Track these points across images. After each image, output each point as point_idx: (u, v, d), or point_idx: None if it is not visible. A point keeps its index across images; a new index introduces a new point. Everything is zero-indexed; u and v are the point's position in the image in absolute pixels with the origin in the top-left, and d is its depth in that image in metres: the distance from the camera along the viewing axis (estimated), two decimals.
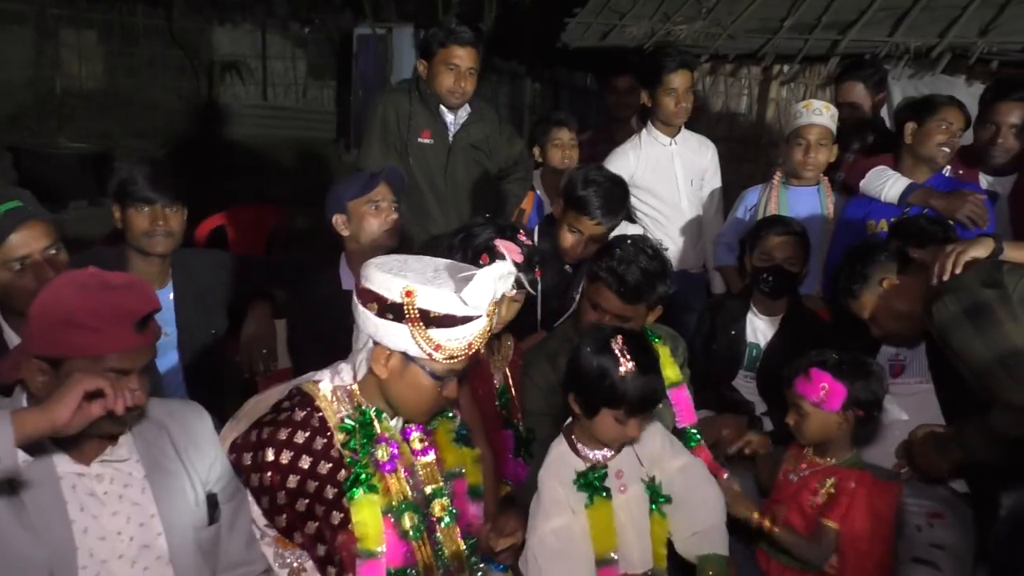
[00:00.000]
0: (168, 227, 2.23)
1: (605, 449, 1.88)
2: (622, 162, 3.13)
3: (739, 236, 2.94)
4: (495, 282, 1.56)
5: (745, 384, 2.55)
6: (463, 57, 2.91)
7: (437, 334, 1.54)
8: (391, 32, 7.97)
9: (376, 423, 1.65)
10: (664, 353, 2.16)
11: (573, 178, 2.51)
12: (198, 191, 2.43)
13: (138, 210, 2.20)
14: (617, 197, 2.50)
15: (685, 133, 3.27)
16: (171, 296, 2.29)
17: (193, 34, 8.86)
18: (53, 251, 1.89)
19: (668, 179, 3.20)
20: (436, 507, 1.70)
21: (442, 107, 3.01)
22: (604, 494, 1.83)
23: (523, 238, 2.03)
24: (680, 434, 2.14)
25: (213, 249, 2.90)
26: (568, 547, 1.80)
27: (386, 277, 1.55)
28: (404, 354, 1.57)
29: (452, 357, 1.57)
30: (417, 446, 1.71)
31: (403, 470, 1.67)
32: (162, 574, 1.52)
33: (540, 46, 6.07)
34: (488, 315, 1.57)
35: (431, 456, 1.72)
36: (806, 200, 2.93)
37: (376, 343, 1.59)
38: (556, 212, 2.57)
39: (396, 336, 1.56)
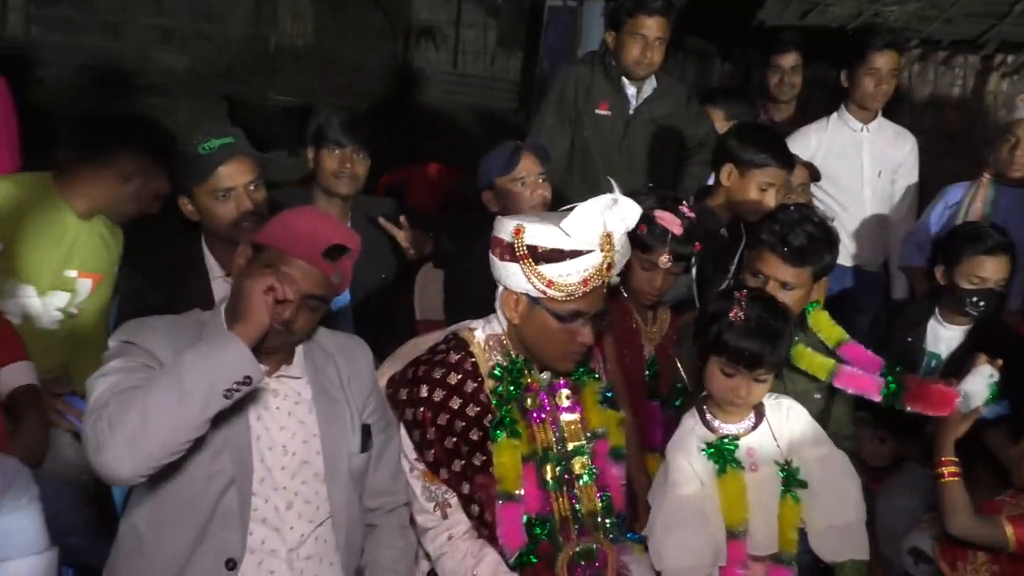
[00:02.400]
0: (354, 171, 2.44)
1: (739, 425, 1.83)
2: (801, 143, 2.99)
3: (933, 236, 2.72)
4: (601, 213, 1.57)
5: None
6: (651, 27, 2.88)
7: (547, 269, 1.59)
8: (582, 5, 7.94)
9: (526, 372, 1.72)
10: (824, 317, 2.11)
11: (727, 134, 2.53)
12: (386, 148, 2.62)
13: (330, 152, 2.43)
14: (776, 140, 2.46)
15: (881, 121, 3.06)
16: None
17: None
18: (253, 187, 2.07)
19: (853, 167, 3.02)
20: (576, 464, 1.75)
21: (625, 80, 3.00)
22: (736, 465, 1.79)
23: (685, 210, 2.01)
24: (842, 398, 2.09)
25: (388, 198, 3.08)
26: (693, 518, 1.79)
27: (504, 220, 1.64)
28: (528, 296, 1.63)
29: (568, 294, 1.60)
30: (564, 403, 1.77)
31: (549, 422, 1.74)
32: (316, 490, 1.64)
33: (734, 24, 5.83)
34: (602, 249, 1.58)
35: (576, 414, 1.77)
36: (1015, 201, 2.67)
37: (505, 288, 1.66)
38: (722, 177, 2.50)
39: (515, 276, 1.63)
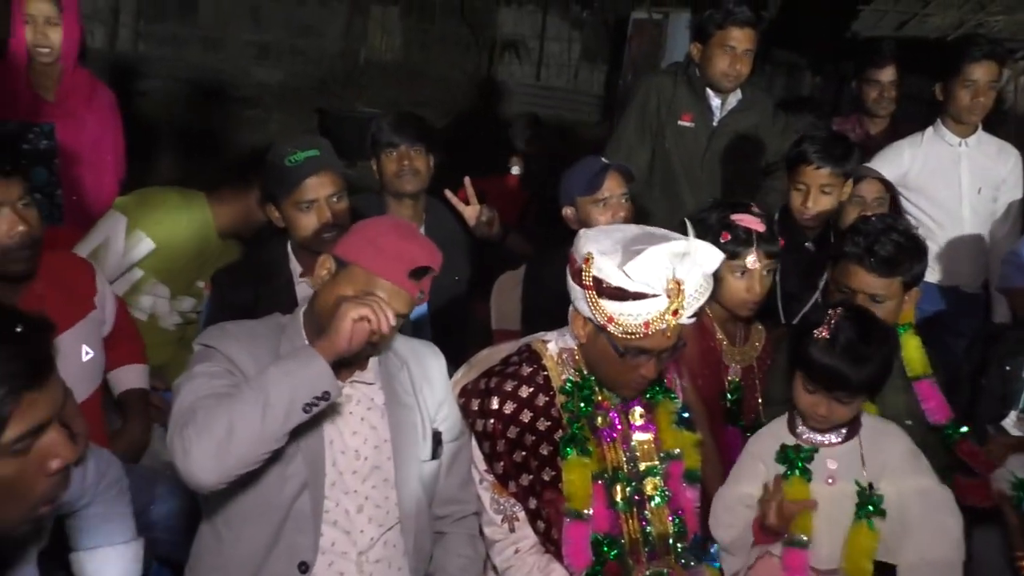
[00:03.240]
0: (414, 166, 2.46)
1: (827, 436, 1.76)
2: (893, 159, 2.87)
3: None
4: (669, 259, 1.51)
5: (1018, 428, 2.24)
6: (740, 39, 2.83)
7: (609, 305, 1.55)
8: (667, 17, 7.88)
9: (597, 390, 1.69)
10: (914, 343, 2.00)
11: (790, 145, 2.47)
12: (469, 159, 2.63)
13: (388, 155, 2.46)
14: (838, 144, 2.40)
15: (982, 135, 2.91)
16: (424, 233, 2.50)
17: (482, 13, 9.39)
18: (335, 199, 2.12)
19: (950, 183, 2.88)
20: (648, 485, 1.71)
21: (709, 91, 2.95)
22: (803, 474, 1.73)
23: (757, 210, 1.97)
24: (936, 431, 1.98)
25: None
26: (749, 516, 1.74)
27: (581, 241, 1.60)
28: (593, 322, 1.59)
29: (627, 333, 1.55)
30: (636, 421, 1.73)
31: (620, 441, 1.70)
32: (386, 495, 1.65)
33: (826, 36, 5.67)
34: (668, 295, 1.52)
35: (649, 434, 1.73)
36: None
37: (574, 307, 1.63)
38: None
39: (581, 302, 1.60)
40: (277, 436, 1.43)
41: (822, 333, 1.69)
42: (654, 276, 1.51)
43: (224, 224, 2.45)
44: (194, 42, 8.69)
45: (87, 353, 1.92)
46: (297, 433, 1.51)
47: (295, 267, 2.21)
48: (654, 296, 1.52)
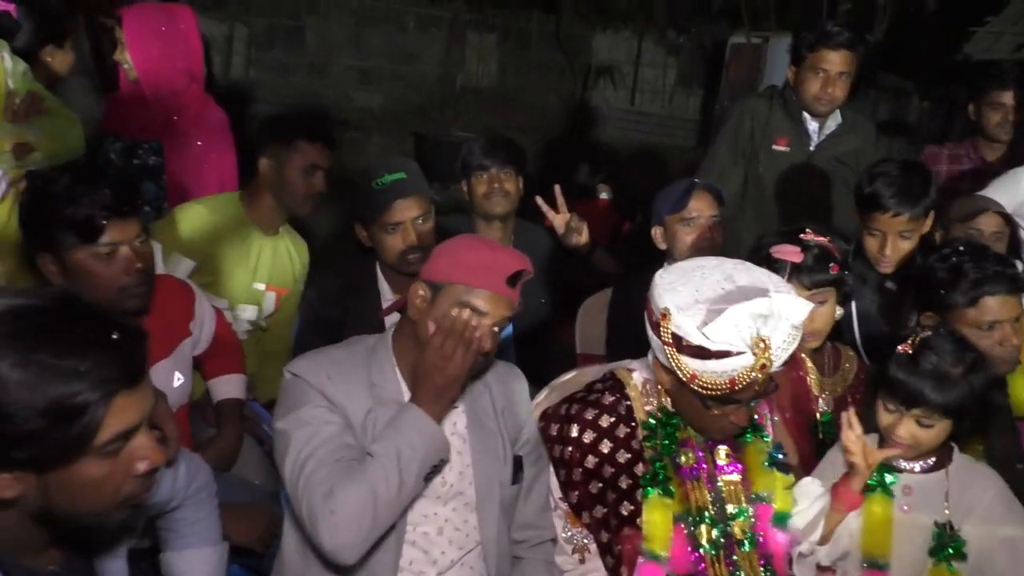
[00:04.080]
0: (503, 188, 2.47)
1: (911, 462, 1.66)
2: (1010, 186, 2.71)
3: None
4: (752, 320, 1.42)
5: None
6: (834, 61, 2.74)
7: (691, 362, 1.47)
8: (767, 42, 7.72)
9: (682, 427, 1.63)
10: (1019, 384, 1.86)
11: (859, 178, 2.26)
12: (561, 184, 2.64)
13: (478, 177, 2.49)
14: (914, 180, 2.18)
15: None
16: None
17: (577, 40, 9.43)
18: (421, 220, 2.16)
19: None
20: (736, 528, 1.63)
21: (806, 115, 2.87)
22: (886, 492, 1.63)
23: (810, 236, 1.86)
24: None
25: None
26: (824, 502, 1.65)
27: (657, 290, 1.52)
28: (674, 375, 1.53)
29: (712, 389, 1.48)
30: (722, 461, 1.65)
31: (706, 481, 1.63)
32: (466, 518, 1.65)
33: (935, 59, 5.44)
34: (755, 352, 1.43)
35: (736, 475, 1.65)
36: None
37: (655, 354, 1.57)
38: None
39: (661, 353, 1.52)
40: (405, 505, 1.54)
41: (905, 348, 1.61)
42: (736, 337, 1.43)
43: (262, 214, 2.41)
44: (301, 68, 9.04)
45: (178, 379, 1.99)
46: None
47: (383, 286, 2.25)
48: (739, 354, 1.44)
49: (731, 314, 1.42)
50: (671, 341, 1.48)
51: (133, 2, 2.96)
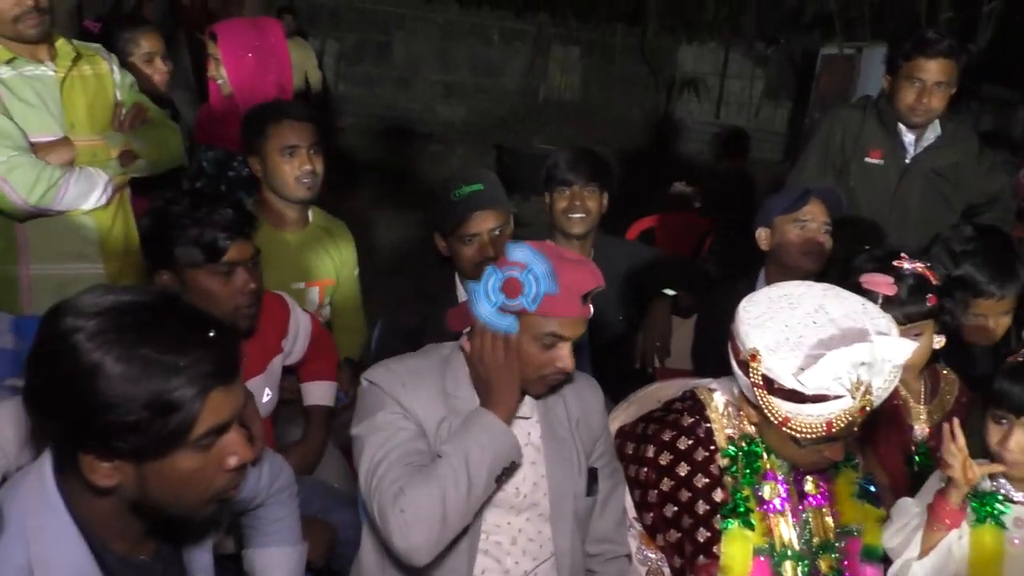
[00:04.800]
0: (584, 206, 2.42)
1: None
2: None
3: None
4: (852, 367, 1.34)
5: None
6: (931, 70, 2.62)
7: (783, 405, 1.40)
8: (860, 52, 7.48)
9: (765, 456, 1.56)
10: None
11: (937, 245, 2.04)
12: (644, 197, 2.59)
13: (560, 193, 2.45)
14: (1004, 255, 2.00)
15: None
16: None
17: (662, 52, 9.38)
18: (497, 232, 2.16)
19: None
20: (822, 563, 1.55)
21: (901, 127, 2.75)
22: (996, 523, 1.53)
23: (905, 262, 1.75)
24: None
25: (633, 241, 3.05)
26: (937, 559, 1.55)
27: (743, 326, 1.45)
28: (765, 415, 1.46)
29: (807, 431, 1.40)
30: (810, 491, 1.58)
31: (790, 514, 1.55)
32: (540, 528, 1.63)
33: None
34: (854, 396, 1.36)
35: (824, 507, 1.57)
36: None
37: (742, 390, 1.51)
38: None
39: (749, 392, 1.46)
40: (476, 508, 1.52)
41: (1015, 359, 1.54)
42: (835, 383, 1.35)
43: (274, 215, 2.36)
44: (388, 82, 9.28)
45: (267, 395, 2.02)
46: None
47: (461, 295, 2.26)
48: (837, 398, 1.36)
49: (829, 361, 1.33)
50: (761, 383, 1.41)
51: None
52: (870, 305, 1.49)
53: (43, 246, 2.16)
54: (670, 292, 2.46)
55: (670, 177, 4.90)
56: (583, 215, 2.43)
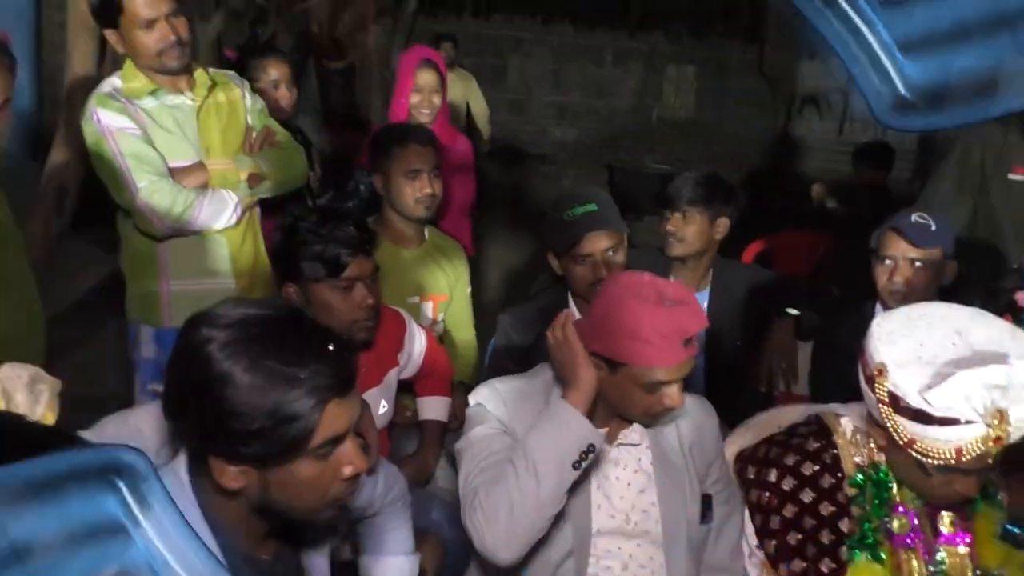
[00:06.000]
0: (681, 231, 2.36)
1: None
2: None
3: None
4: (985, 389, 1.24)
5: None
6: None
7: (909, 425, 1.32)
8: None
9: (895, 487, 1.47)
10: None
11: None
12: (761, 217, 2.51)
13: (663, 215, 2.40)
14: None
15: None
16: (707, 301, 2.41)
17: (781, 69, 9.11)
18: (611, 252, 2.14)
19: None
20: None
21: None
22: None
23: None
24: None
25: (752, 264, 2.96)
26: None
27: (874, 341, 1.37)
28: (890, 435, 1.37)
29: (934, 457, 1.31)
30: (945, 529, 1.47)
31: (922, 551, 1.46)
32: (652, 555, 1.60)
33: None
34: (988, 424, 1.26)
35: (962, 546, 1.47)
36: None
37: (868, 409, 1.43)
38: None
39: (875, 411, 1.38)
40: (556, 498, 1.47)
41: None
42: (966, 405, 1.27)
43: (392, 231, 2.42)
44: (502, 104, 9.40)
45: (383, 407, 2.08)
46: (565, 506, 1.52)
47: (575, 315, 2.25)
48: (968, 423, 1.28)
49: (960, 380, 1.26)
50: (887, 400, 1.35)
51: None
52: (1020, 332, 1.38)
53: (180, 264, 2.30)
54: (793, 312, 2.36)
55: (791, 195, 4.73)
56: (679, 240, 2.38)
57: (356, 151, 3.00)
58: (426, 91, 2.89)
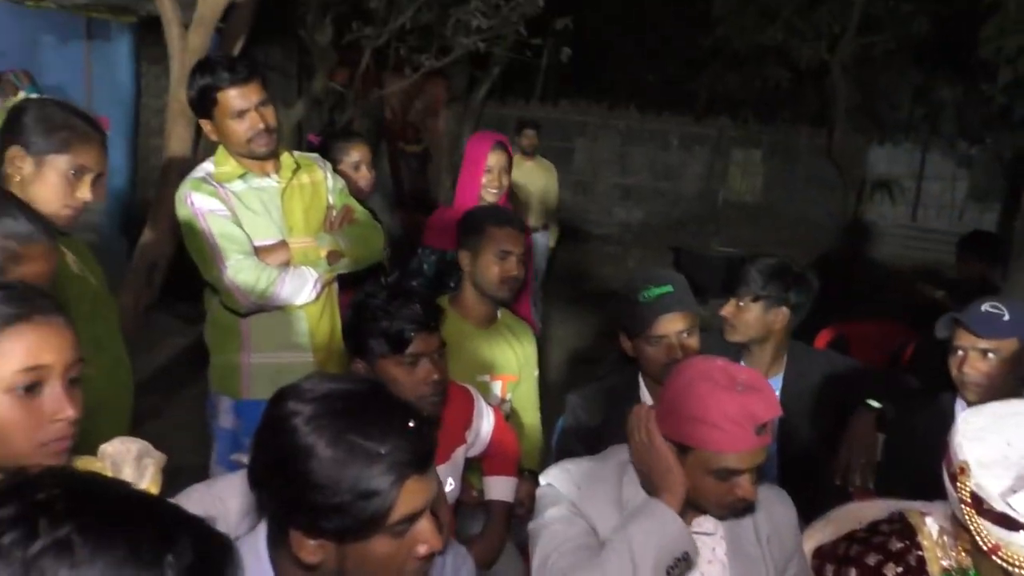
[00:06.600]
0: (736, 318, 2.32)
1: None
2: None
3: None
4: None
5: None
6: None
7: (993, 530, 1.24)
8: None
9: None
10: None
11: None
12: (832, 303, 2.46)
13: (724, 300, 2.36)
14: None
15: None
16: (779, 388, 2.36)
17: (850, 153, 9.06)
18: (685, 335, 2.14)
19: None
20: None
21: None
22: None
23: None
24: None
25: (828, 351, 2.88)
26: None
27: (959, 436, 1.31)
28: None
29: (1018, 567, 1.23)
30: None
31: None
32: None
33: None
34: None
35: None
36: None
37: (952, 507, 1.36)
38: None
39: (958, 509, 1.31)
40: None
41: None
42: None
43: (469, 309, 2.44)
44: (567, 186, 9.57)
45: (450, 484, 2.08)
46: None
47: (645, 397, 2.23)
48: None
49: None
50: (970, 501, 1.28)
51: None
52: None
53: (261, 337, 2.37)
54: (875, 404, 2.28)
55: (863, 281, 4.64)
56: (732, 327, 2.35)
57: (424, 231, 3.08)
58: (496, 171, 2.97)
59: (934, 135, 9.15)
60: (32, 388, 1.08)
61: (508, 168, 3.02)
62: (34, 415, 1.08)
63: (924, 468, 1.57)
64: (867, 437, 2.26)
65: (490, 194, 2.96)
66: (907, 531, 1.48)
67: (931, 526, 1.47)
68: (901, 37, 7.98)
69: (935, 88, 8.83)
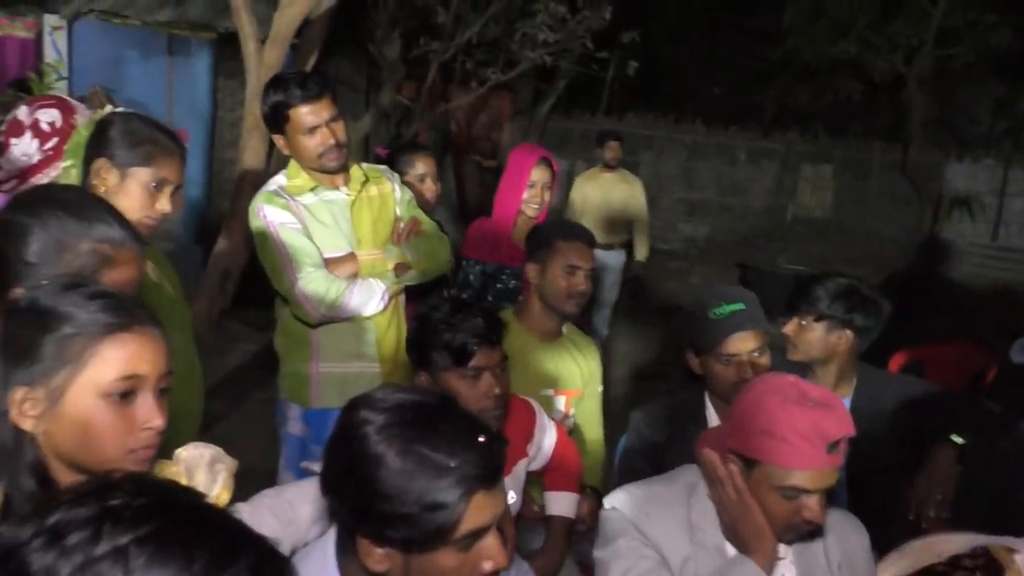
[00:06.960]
0: (797, 338, 2.25)
1: None
2: None
3: None
4: None
5: None
6: None
7: None
8: None
9: None
10: None
11: None
12: (906, 323, 2.37)
13: (787, 320, 2.29)
14: None
15: None
16: (848, 406, 2.28)
17: (926, 169, 8.79)
18: (756, 354, 2.09)
19: None
20: None
21: None
22: None
23: None
24: None
25: (902, 375, 2.78)
26: None
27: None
28: None
29: None
30: None
31: None
32: None
33: None
34: None
35: None
36: None
37: None
38: None
39: None
40: None
41: None
42: None
43: (534, 322, 2.43)
44: None
45: (512, 498, 2.06)
46: None
47: (711, 415, 2.19)
48: None
49: None
50: None
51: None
52: None
53: (330, 347, 2.41)
54: (959, 440, 2.18)
55: (940, 301, 4.46)
56: (792, 346, 2.28)
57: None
58: (539, 187, 2.96)
59: (1017, 150, 8.80)
60: (126, 396, 1.11)
61: (551, 185, 3.00)
62: (126, 422, 1.11)
63: (1004, 498, 1.50)
64: (948, 472, 2.16)
65: (531, 209, 2.95)
66: (992, 567, 1.41)
67: (1021, 564, 1.39)
68: (981, 49, 7.72)
69: (1018, 101, 8.50)
